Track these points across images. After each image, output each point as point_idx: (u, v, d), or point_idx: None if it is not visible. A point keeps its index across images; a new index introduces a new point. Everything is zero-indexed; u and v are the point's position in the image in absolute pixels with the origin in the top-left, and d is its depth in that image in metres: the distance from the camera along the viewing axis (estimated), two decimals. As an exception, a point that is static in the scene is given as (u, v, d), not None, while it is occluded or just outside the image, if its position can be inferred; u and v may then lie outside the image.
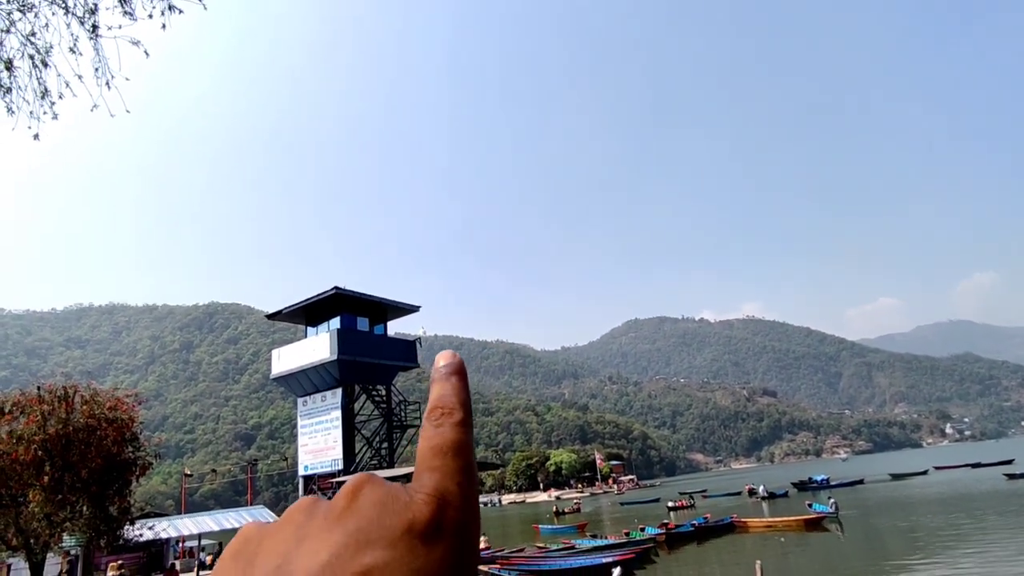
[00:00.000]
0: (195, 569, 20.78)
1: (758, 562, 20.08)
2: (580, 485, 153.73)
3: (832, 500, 40.61)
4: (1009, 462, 73.58)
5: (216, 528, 20.78)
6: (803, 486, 69.79)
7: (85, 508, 16.09)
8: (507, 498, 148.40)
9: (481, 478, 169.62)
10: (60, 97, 5.86)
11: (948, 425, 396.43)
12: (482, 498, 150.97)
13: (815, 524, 35.76)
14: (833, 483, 69.70)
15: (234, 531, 17.42)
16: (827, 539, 31.36)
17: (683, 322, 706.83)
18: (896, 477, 75.12)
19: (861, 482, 71.38)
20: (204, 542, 23.96)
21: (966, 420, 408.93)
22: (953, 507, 39.24)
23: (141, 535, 18.42)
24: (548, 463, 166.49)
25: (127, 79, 5.91)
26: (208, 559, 22.72)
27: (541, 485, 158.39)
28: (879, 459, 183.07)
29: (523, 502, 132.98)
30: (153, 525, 19.63)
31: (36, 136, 6.23)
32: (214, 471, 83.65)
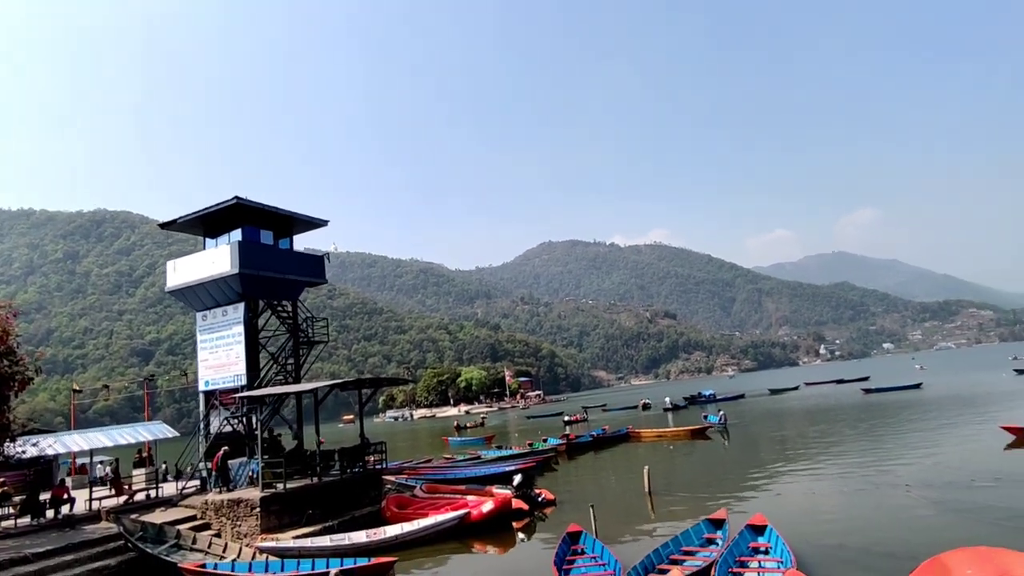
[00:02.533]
0: (88, 485, 20.09)
1: (646, 467, 21.93)
2: (489, 400, 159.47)
3: (721, 412, 44.64)
4: (865, 379, 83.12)
5: (109, 444, 19.93)
6: (693, 400, 75.91)
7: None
8: (418, 413, 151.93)
9: (392, 393, 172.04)
10: None
11: (822, 346, 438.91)
12: (394, 413, 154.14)
13: (700, 434, 39.27)
14: (719, 397, 76.22)
15: (130, 447, 16.83)
16: (711, 446, 34.55)
17: (595, 246, 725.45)
18: (774, 392, 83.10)
19: (743, 396, 78.48)
20: (98, 458, 22.98)
21: (837, 342, 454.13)
22: (818, 418, 44.14)
23: (24, 452, 17.46)
24: (459, 380, 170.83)
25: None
26: (104, 475, 21.94)
27: (452, 400, 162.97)
28: (761, 376, 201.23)
29: (434, 417, 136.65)
30: (38, 442, 18.62)
31: None
32: (106, 387, 79.49)
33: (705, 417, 44.91)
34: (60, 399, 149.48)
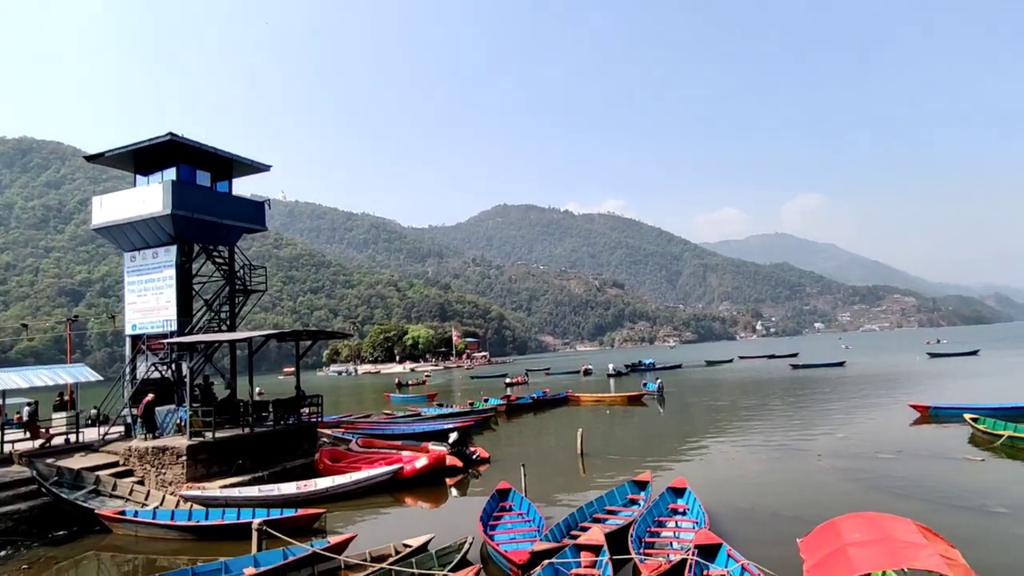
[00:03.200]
0: (0, 428, 19.12)
1: (579, 430, 22.50)
2: (435, 359, 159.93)
3: (659, 380, 46.12)
4: (794, 355, 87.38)
5: (24, 385, 18.89)
6: (634, 368, 78.17)
7: None
8: (363, 368, 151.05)
9: (337, 348, 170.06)
10: None
11: (759, 323, 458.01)
12: (338, 367, 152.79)
13: (636, 400, 40.48)
14: (658, 366, 78.74)
15: (49, 388, 15.99)
16: (646, 412, 35.73)
17: (549, 212, 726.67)
18: (710, 364, 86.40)
19: (680, 366, 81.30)
20: (11, 401, 21.83)
21: (773, 319, 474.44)
22: (748, 390, 46.21)
23: (-73, 390, 16.41)
24: (406, 337, 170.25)
25: None
26: (16, 417, 20.93)
27: (397, 358, 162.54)
28: (700, 348, 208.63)
29: (378, 373, 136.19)
30: (-58, 380, 17.51)
31: None
32: (24, 326, 75.73)
33: (644, 385, 46.33)
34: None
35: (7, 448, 18.68)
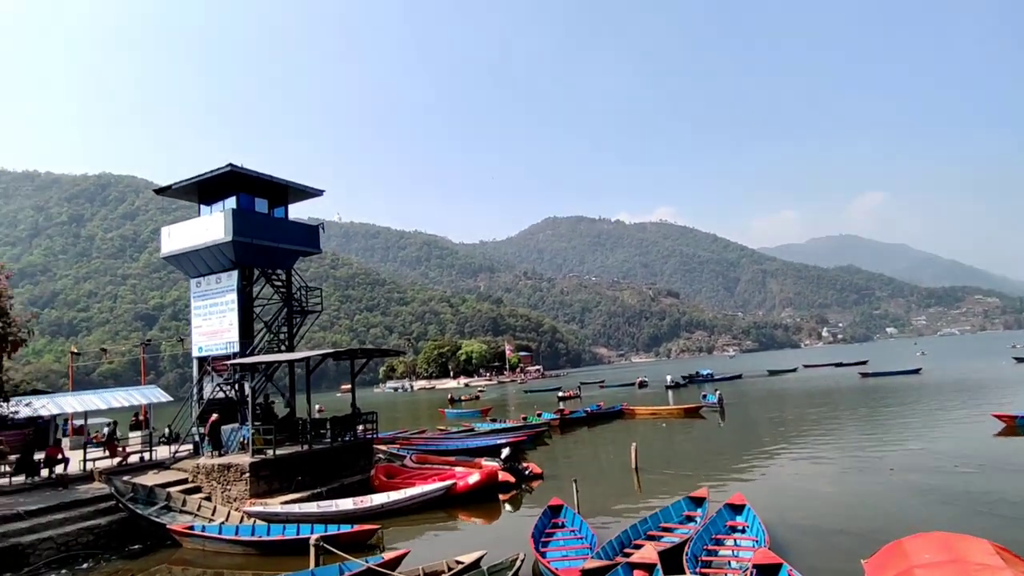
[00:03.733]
0: (83, 447, 20.41)
1: (633, 444, 22.11)
2: (489, 374, 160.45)
3: (718, 392, 44.60)
4: (864, 363, 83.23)
5: (103, 406, 20.19)
6: (691, 379, 76.29)
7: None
8: (418, 384, 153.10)
9: (393, 364, 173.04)
10: None
11: (825, 329, 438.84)
12: (394, 383, 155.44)
13: (694, 412, 39.43)
14: (716, 377, 76.57)
15: (125, 409, 16.99)
16: (705, 425, 34.73)
17: (600, 222, 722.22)
18: (772, 373, 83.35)
19: (740, 376, 78.80)
20: (92, 421, 23.31)
21: (840, 325, 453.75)
22: (814, 400, 44.35)
23: (17, 412, 17.67)
24: (459, 352, 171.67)
25: None
26: (95, 436, 22.27)
27: (452, 373, 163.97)
28: (761, 357, 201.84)
29: (433, 388, 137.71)
30: (31, 402, 18.83)
31: None
32: (103, 350, 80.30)
33: (703, 397, 44.99)
34: (65, 361, 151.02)
35: (88, 466, 19.83)
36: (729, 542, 12.18)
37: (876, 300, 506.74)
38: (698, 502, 14.53)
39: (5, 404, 17.01)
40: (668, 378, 71.56)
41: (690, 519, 13.88)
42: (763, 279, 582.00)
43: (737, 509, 13.58)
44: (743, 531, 12.66)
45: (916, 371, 61.73)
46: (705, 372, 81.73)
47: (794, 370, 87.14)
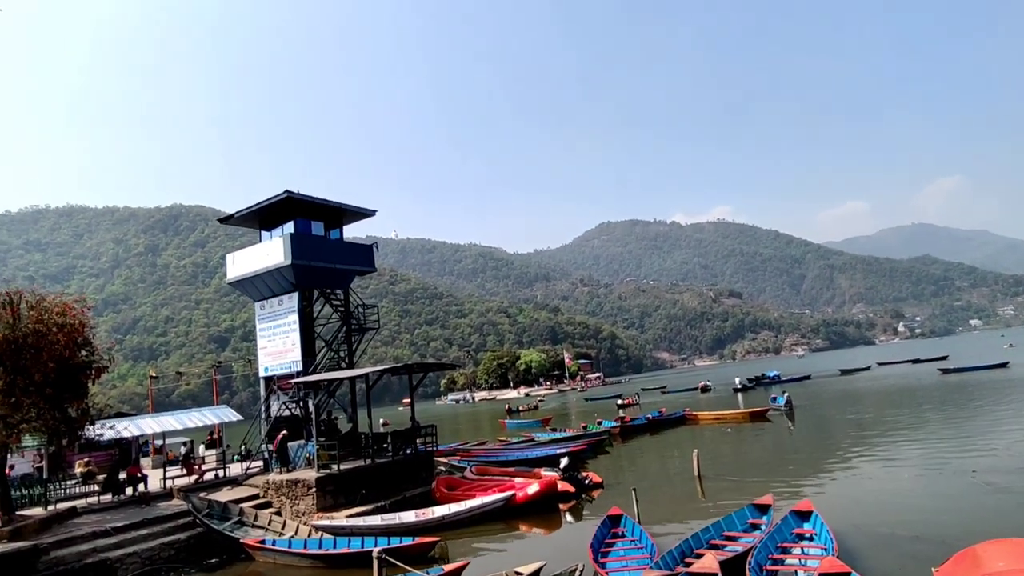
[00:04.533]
0: (163, 466, 21.66)
1: (695, 451, 21.62)
2: (549, 383, 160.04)
3: (787, 394, 42.89)
4: (944, 358, 78.36)
5: (179, 427, 21.44)
6: (758, 381, 73.81)
7: (40, 410, 16.32)
8: (479, 395, 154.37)
9: (453, 377, 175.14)
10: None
11: (901, 323, 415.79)
12: (455, 395, 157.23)
13: (760, 416, 38.15)
14: (784, 378, 73.85)
15: (199, 429, 17.98)
16: (772, 429, 33.51)
17: (655, 225, 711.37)
18: (844, 372, 79.64)
19: (808, 377, 75.73)
20: (170, 440, 24.81)
21: (918, 319, 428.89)
22: (889, 400, 42.14)
23: (102, 435, 18.90)
24: (519, 362, 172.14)
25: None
26: (171, 455, 23.62)
27: (511, 383, 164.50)
28: (833, 356, 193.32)
29: (494, 399, 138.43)
30: (114, 425, 20.13)
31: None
32: (179, 373, 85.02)
33: (772, 399, 43.36)
34: (147, 384, 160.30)
35: (168, 484, 20.98)
36: (795, 551, 11.73)
37: (956, 291, 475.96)
38: (763, 509, 14.07)
39: (92, 427, 18.21)
40: (737, 380, 69.46)
41: (754, 527, 13.45)
42: (831, 274, 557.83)
43: (804, 516, 13.08)
44: (811, 539, 12.17)
45: (1003, 365, 57.64)
46: (772, 374, 78.96)
47: (867, 368, 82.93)
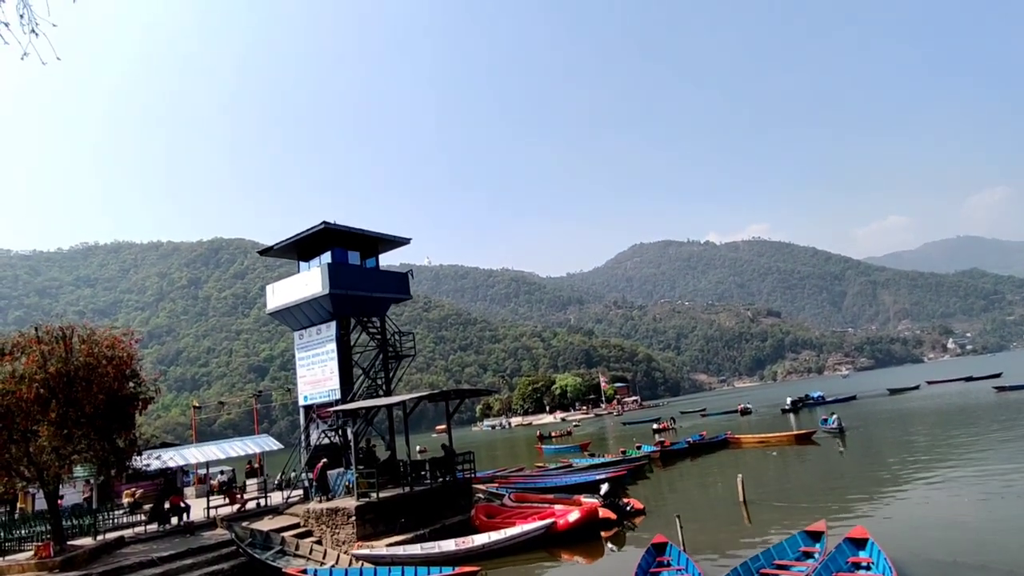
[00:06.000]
0: (207, 495, 21.99)
1: (739, 476, 20.99)
2: (585, 407, 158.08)
3: (835, 416, 41.28)
4: (998, 375, 74.85)
5: (221, 456, 21.84)
6: (802, 403, 71.44)
7: (91, 441, 16.81)
8: (515, 421, 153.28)
9: (489, 402, 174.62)
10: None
11: (950, 340, 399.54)
12: (491, 421, 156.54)
13: (806, 439, 36.89)
14: (828, 399, 71.47)
15: (241, 457, 18.31)
16: (820, 452, 32.30)
17: (688, 245, 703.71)
18: (893, 392, 76.72)
19: (854, 398, 73.11)
20: (213, 469, 25.30)
21: (968, 335, 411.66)
22: (941, 420, 40.36)
23: (149, 465, 19.32)
24: (554, 387, 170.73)
25: (54, 25, 5.66)
26: (214, 485, 24.02)
27: (547, 408, 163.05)
28: (878, 375, 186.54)
29: (530, 425, 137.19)
30: (160, 455, 20.56)
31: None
32: (221, 403, 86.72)
33: (823, 421, 41.78)
34: (189, 414, 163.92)
35: (211, 512, 21.26)
36: (852, 581, 11.21)
37: (1008, 305, 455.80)
38: (815, 536, 13.52)
39: (139, 457, 18.66)
40: (788, 400, 67.25)
41: (807, 555, 12.92)
42: (873, 291, 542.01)
43: (860, 543, 12.51)
44: (867, 568, 11.62)
45: (1065, 382, 54.83)
46: (816, 395, 76.39)
47: (916, 387, 79.76)
